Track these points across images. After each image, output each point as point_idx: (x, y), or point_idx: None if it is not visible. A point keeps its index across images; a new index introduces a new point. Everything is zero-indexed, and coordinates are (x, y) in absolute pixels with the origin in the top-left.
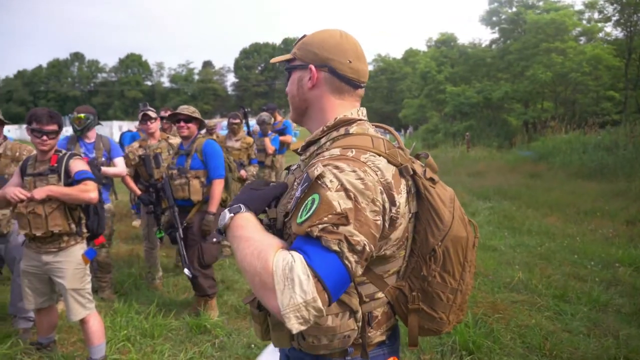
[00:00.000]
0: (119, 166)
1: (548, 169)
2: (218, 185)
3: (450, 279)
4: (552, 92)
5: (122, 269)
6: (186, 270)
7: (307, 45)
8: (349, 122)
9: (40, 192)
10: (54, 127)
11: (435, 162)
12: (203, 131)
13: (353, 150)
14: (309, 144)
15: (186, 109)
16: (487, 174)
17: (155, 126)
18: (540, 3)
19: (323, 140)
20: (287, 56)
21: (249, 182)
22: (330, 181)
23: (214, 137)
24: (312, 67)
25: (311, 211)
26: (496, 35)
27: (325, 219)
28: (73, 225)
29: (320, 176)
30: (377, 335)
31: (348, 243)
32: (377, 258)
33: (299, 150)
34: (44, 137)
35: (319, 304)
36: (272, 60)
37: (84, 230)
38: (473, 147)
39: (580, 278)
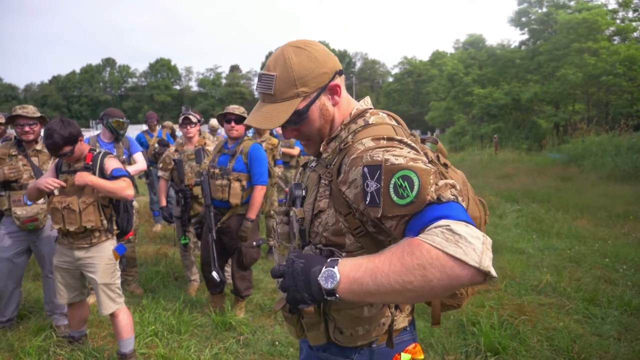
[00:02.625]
0: (139, 162)
1: (579, 171)
2: (260, 192)
3: None
4: (584, 93)
5: (149, 267)
6: (214, 274)
7: (305, 77)
8: (362, 113)
9: (80, 178)
10: (68, 149)
11: (463, 165)
12: (250, 133)
13: (384, 139)
14: (329, 141)
15: (237, 109)
16: (515, 177)
17: (194, 131)
18: (572, 3)
19: (344, 135)
20: (296, 102)
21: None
22: (395, 157)
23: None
24: (332, 84)
25: (416, 184)
26: (526, 36)
27: (431, 180)
28: (105, 222)
29: (386, 160)
30: (401, 319)
31: (452, 187)
32: None
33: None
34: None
35: (488, 238)
36: (281, 125)
37: (114, 227)
38: (501, 150)
39: (611, 281)
